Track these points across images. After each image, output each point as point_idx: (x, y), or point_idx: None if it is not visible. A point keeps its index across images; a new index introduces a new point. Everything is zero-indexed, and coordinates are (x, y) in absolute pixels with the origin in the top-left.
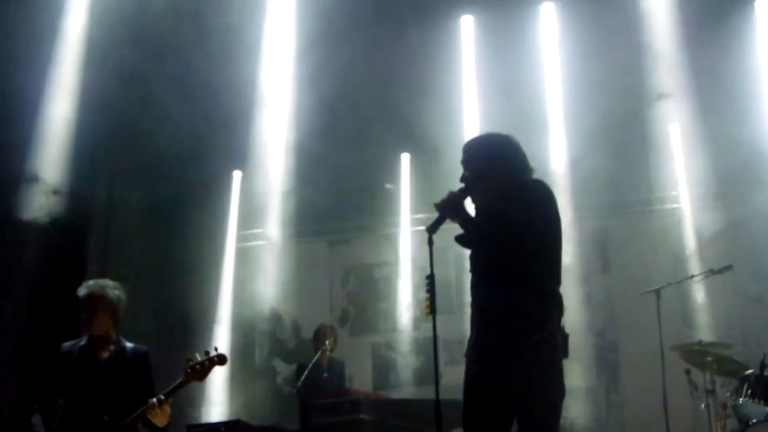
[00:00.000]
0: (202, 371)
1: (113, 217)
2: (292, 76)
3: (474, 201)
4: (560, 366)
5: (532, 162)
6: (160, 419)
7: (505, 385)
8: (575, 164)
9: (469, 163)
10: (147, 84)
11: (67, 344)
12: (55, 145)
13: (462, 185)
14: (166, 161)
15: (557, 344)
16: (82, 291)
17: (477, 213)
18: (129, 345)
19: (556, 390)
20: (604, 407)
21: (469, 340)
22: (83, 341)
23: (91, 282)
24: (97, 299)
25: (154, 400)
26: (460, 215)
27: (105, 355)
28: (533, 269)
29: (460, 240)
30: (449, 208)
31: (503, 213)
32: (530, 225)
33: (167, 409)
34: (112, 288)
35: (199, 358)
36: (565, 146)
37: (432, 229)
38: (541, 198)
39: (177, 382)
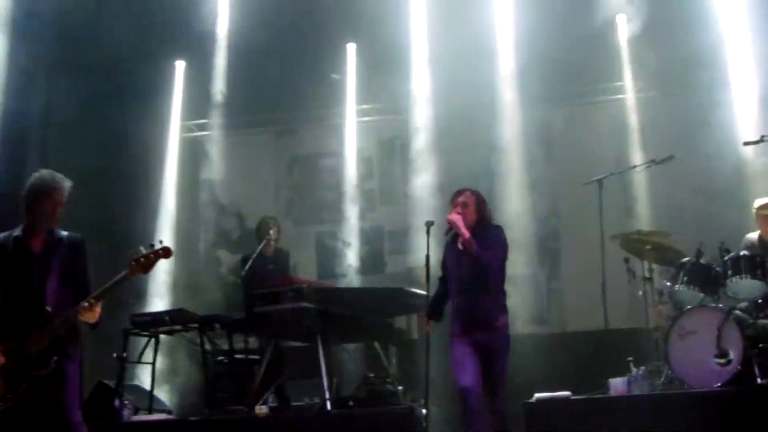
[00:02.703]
0: (146, 264)
1: (52, 112)
2: None
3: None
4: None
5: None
6: (89, 317)
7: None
8: (521, 53)
9: (469, 205)
10: None
11: (0, 235)
12: None
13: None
14: (107, 52)
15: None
16: (31, 182)
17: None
18: (64, 233)
19: None
20: (544, 294)
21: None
22: (17, 231)
23: (39, 173)
24: (44, 192)
25: (86, 303)
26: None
27: (40, 244)
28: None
29: (469, 251)
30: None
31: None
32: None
33: (98, 308)
34: (61, 180)
35: (143, 251)
36: (511, 34)
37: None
38: (505, 237)
39: (121, 275)
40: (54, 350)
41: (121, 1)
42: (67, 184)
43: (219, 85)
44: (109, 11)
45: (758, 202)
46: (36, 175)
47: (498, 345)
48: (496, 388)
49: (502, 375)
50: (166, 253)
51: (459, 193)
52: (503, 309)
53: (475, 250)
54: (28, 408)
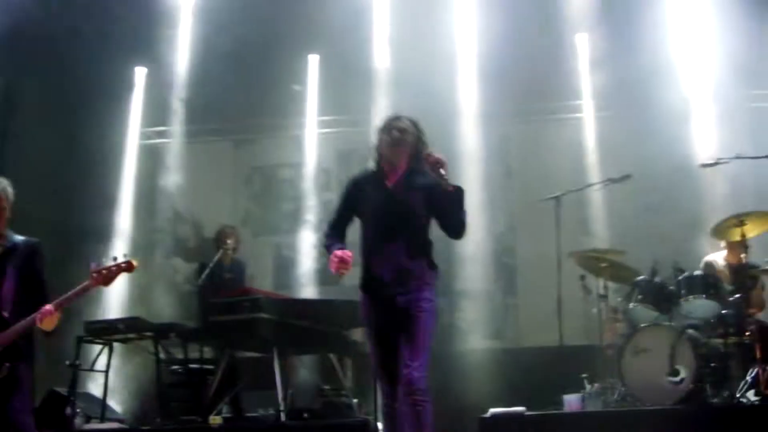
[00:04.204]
0: (108, 276)
1: (10, 115)
2: None
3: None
4: None
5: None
6: (48, 324)
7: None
8: (482, 69)
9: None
10: None
11: None
12: None
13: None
14: (66, 57)
15: None
16: None
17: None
18: (19, 238)
19: None
20: (500, 310)
21: None
22: None
23: None
24: (2, 199)
25: (49, 306)
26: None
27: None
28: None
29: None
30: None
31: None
32: None
33: (57, 316)
34: (7, 185)
35: (105, 263)
36: (473, 50)
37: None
38: None
39: (81, 285)
40: (7, 355)
41: (83, 5)
42: (7, 188)
43: (179, 93)
44: (71, 15)
45: (718, 222)
46: None
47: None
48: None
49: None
50: (128, 267)
51: (397, 118)
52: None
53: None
54: None
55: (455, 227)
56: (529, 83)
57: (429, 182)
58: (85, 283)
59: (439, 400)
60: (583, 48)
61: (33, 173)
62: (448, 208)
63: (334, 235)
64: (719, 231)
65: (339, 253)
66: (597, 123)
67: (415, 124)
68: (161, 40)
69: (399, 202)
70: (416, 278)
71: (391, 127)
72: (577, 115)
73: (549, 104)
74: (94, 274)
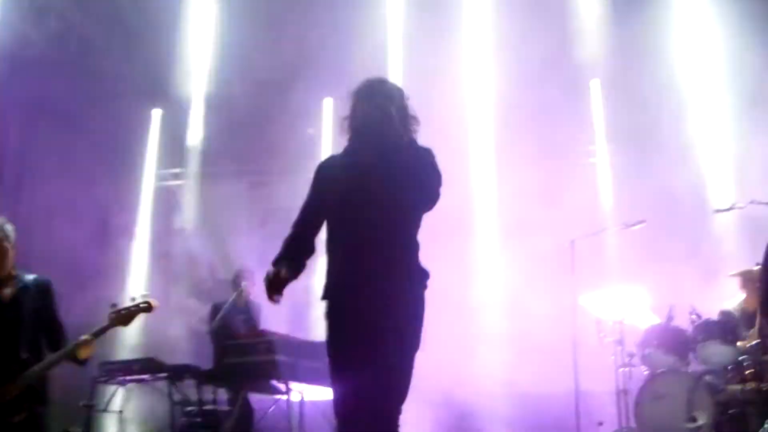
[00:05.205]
0: (126, 317)
1: (25, 156)
2: (215, 17)
3: None
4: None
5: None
6: (85, 352)
7: None
8: (496, 115)
9: None
10: (64, 19)
11: None
12: None
13: None
14: (84, 98)
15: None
16: None
17: None
18: (30, 277)
19: None
20: (514, 355)
21: None
22: None
23: None
24: (3, 239)
25: (87, 336)
26: None
27: (8, 292)
28: None
29: None
30: None
31: None
32: None
33: (94, 345)
34: (8, 225)
35: (125, 303)
36: (488, 98)
37: None
38: None
39: (101, 326)
40: (26, 398)
41: (101, 48)
42: (7, 225)
43: (195, 135)
44: (89, 57)
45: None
46: None
47: None
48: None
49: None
50: (147, 308)
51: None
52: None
53: None
54: None
55: None
56: (544, 128)
57: None
58: (105, 324)
59: None
60: (596, 93)
61: (48, 213)
62: None
63: None
64: (741, 278)
65: None
66: (612, 168)
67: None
68: (177, 83)
69: None
70: None
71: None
72: (592, 160)
73: (564, 149)
74: (113, 315)
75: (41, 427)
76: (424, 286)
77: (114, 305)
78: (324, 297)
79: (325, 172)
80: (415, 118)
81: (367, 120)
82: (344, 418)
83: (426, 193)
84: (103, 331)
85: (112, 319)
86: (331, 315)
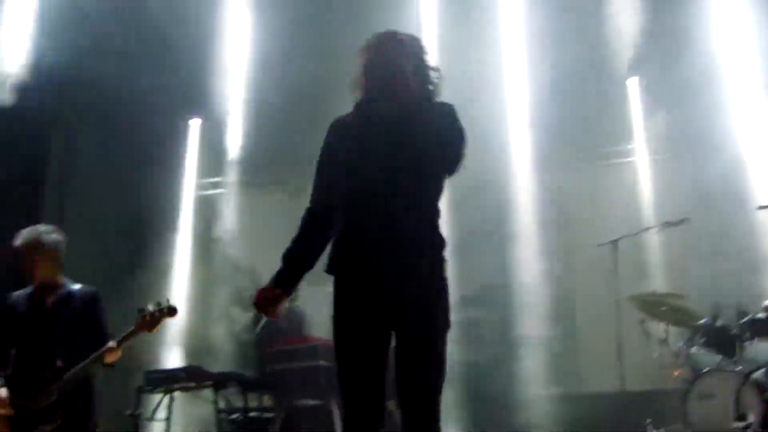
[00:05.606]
0: (152, 322)
1: (68, 166)
2: (251, 27)
3: None
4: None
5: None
6: (110, 359)
7: None
8: (533, 116)
9: None
10: (101, 30)
11: (15, 294)
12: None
13: None
14: (122, 109)
15: None
16: (17, 241)
17: None
18: (76, 287)
19: None
20: (560, 356)
21: None
22: (30, 289)
23: (25, 230)
24: (32, 247)
25: (113, 343)
26: None
27: (52, 300)
28: None
29: None
30: None
31: None
32: None
33: (120, 350)
34: (47, 233)
35: (150, 308)
36: (524, 99)
37: None
38: None
39: (128, 330)
40: (59, 405)
41: (139, 56)
42: (58, 237)
43: (234, 144)
44: (127, 68)
45: None
46: (29, 229)
47: None
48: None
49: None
50: (171, 312)
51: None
52: None
53: None
54: None
55: None
56: (582, 129)
57: None
58: (131, 329)
59: None
60: (635, 91)
61: (91, 222)
62: None
63: None
64: None
65: None
66: (652, 166)
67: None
68: (215, 92)
69: None
70: None
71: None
72: (632, 159)
73: (602, 149)
74: (138, 321)
75: None
76: (443, 257)
77: (141, 310)
78: (328, 270)
79: (335, 134)
80: (436, 69)
81: (377, 75)
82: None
83: (446, 154)
84: (128, 336)
85: (138, 324)
86: (338, 291)
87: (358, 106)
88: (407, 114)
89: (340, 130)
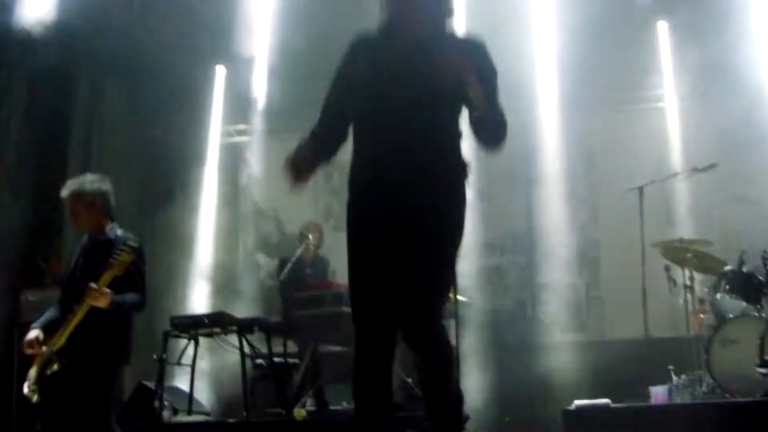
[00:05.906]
0: (118, 265)
1: (95, 109)
2: None
3: None
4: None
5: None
6: (99, 302)
7: None
8: (560, 61)
9: None
10: None
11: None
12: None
13: None
14: (148, 57)
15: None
16: (63, 192)
17: None
18: (119, 233)
19: None
20: (584, 303)
21: None
22: (85, 237)
23: (69, 182)
24: (76, 198)
25: (92, 284)
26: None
27: (93, 246)
28: None
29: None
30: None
31: None
32: None
33: (104, 291)
34: (90, 183)
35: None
36: (551, 42)
37: None
38: None
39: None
40: (72, 350)
41: (164, 5)
42: (102, 186)
43: (259, 90)
44: (152, 16)
45: None
46: (73, 180)
47: None
48: None
49: None
50: (132, 251)
51: None
52: None
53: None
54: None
55: None
56: (609, 73)
57: None
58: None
59: (524, 392)
60: (664, 35)
61: (117, 169)
62: None
63: None
64: None
65: None
66: (680, 112)
67: None
68: (240, 40)
69: None
70: None
71: None
72: (660, 104)
73: (630, 94)
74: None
75: (78, 382)
76: (461, 172)
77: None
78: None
79: (353, 55)
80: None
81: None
82: (366, 319)
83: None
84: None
85: (108, 265)
86: (352, 210)
87: (383, 29)
88: (430, 43)
89: (361, 50)
